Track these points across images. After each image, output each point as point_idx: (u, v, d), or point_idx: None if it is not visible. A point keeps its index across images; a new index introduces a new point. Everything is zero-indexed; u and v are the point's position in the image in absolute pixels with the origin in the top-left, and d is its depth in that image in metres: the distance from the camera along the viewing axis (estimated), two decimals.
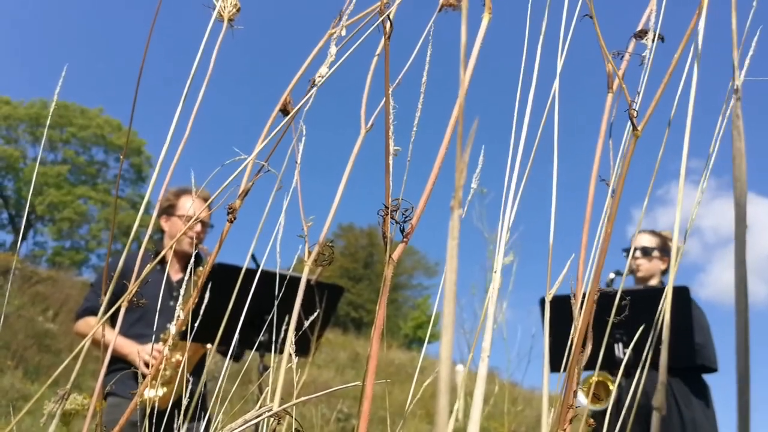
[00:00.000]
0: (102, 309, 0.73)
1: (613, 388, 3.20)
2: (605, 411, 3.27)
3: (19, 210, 31.72)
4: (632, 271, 3.73)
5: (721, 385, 3.56)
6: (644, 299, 2.77)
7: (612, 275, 3.66)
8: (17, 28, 45.43)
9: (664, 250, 3.74)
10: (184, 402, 0.99)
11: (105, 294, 0.75)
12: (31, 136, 31.70)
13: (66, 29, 47.34)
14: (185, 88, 0.70)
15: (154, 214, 1.02)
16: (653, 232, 3.81)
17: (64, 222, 30.50)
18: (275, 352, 1.31)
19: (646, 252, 3.71)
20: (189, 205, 3.37)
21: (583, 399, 3.23)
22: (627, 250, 3.78)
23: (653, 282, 3.69)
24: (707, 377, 3.53)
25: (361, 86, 0.71)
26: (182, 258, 3.47)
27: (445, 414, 0.31)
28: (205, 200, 3.37)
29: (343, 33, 0.67)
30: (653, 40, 0.62)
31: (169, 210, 3.42)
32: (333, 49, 0.66)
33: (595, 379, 3.12)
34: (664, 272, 3.76)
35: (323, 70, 0.66)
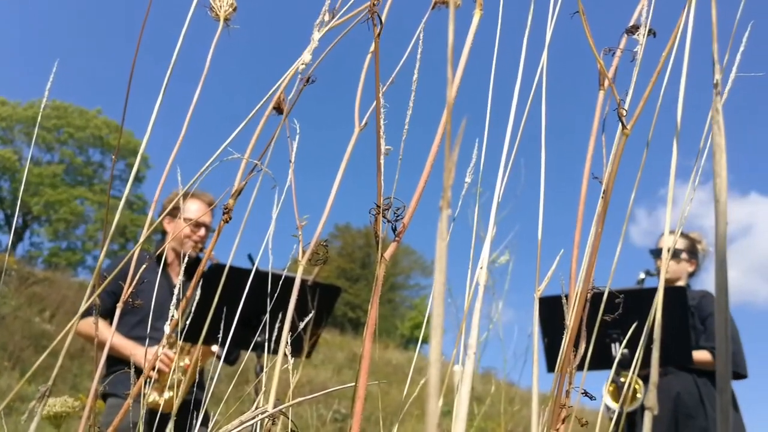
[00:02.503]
0: (83, 309, 0.72)
1: (640, 390, 3.21)
2: (632, 412, 3.30)
3: (16, 210, 31.67)
4: (659, 272, 3.68)
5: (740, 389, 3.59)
6: (642, 299, 2.77)
7: (642, 275, 3.66)
8: (16, 29, 45.35)
9: (692, 252, 3.72)
10: (176, 402, 0.99)
11: (95, 295, 0.75)
12: (28, 137, 31.66)
13: (65, 30, 47.27)
14: (163, 85, 0.70)
15: (150, 212, 1.01)
16: (681, 234, 3.76)
17: (60, 223, 30.45)
18: (269, 352, 1.31)
19: (675, 254, 3.66)
20: (194, 209, 3.35)
21: (610, 402, 3.25)
22: (654, 252, 3.76)
23: (680, 284, 3.66)
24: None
25: (356, 84, 0.70)
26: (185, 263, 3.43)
27: (435, 416, 0.31)
28: (209, 204, 3.36)
29: (326, 18, 0.67)
30: (644, 36, 0.62)
31: (172, 212, 3.38)
32: (316, 35, 0.65)
33: (607, 381, 3.13)
34: (692, 275, 3.74)
35: (306, 56, 0.65)
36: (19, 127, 31.41)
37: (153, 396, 2.95)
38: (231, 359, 3.50)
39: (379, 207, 0.57)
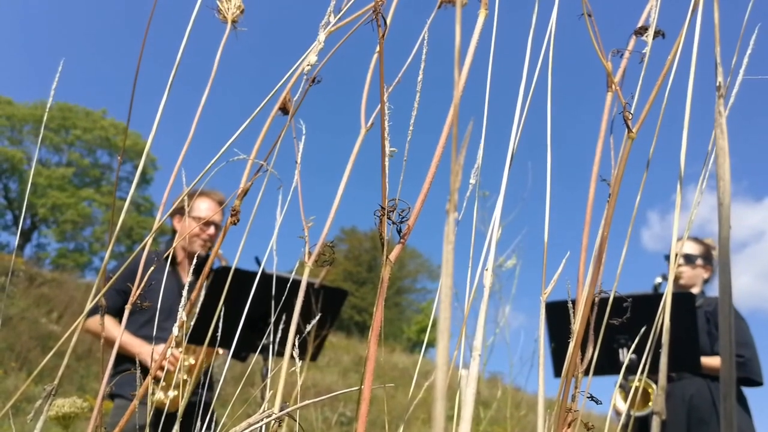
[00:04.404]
0: (89, 307, 0.72)
1: (654, 394, 3.21)
2: (646, 417, 3.30)
3: (24, 212, 31.83)
4: (675, 278, 3.68)
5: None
6: (650, 304, 2.76)
7: (659, 279, 3.65)
8: (24, 29, 45.61)
9: (707, 258, 3.70)
10: (182, 403, 0.99)
11: (101, 294, 0.75)
12: (36, 138, 31.79)
13: (72, 31, 47.51)
14: (167, 86, 0.70)
15: (159, 215, 1.01)
16: (696, 240, 3.74)
17: (68, 224, 30.57)
18: (273, 354, 1.31)
19: (690, 260, 3.65)
20: (203, 207, 3.33)
21: (621, 404, 3.25)
22: (668, 257, 3.75)
23: (695, 290, 3.65)
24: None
25: (363, 85, 0.70)
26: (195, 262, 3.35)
27: (442, 420, 0.30)
28: (219, 202, 3.34)
29: (332, 19, 0.66)
30: (652, 38, 0.62)
31: (182, 211, 3.34)
32: (321, 36, 0.65)
33: (616, 387, 3.13)
34: (707, 281, 3.72)
35: (311, 57, 0.65)
36: (28, 128, 31.57)
37: (158, 395, 2.93)
38: (242, 356, 3.49)
39: (384, 209, 0.56)
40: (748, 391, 3.53)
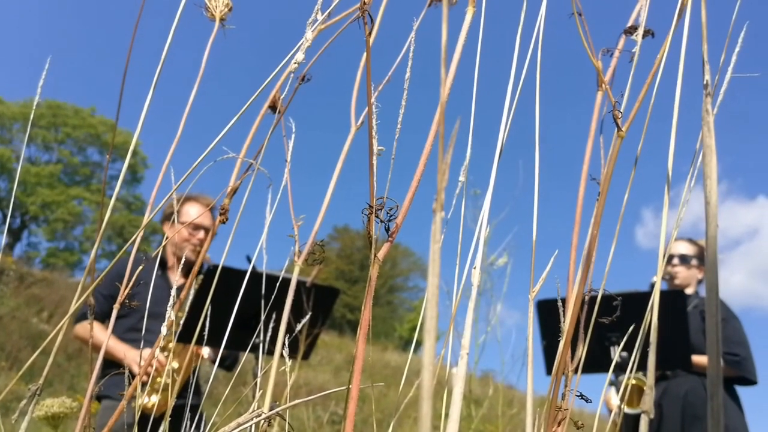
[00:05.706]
0: (74, 307, 0.71)
1: (647, 391, 3.22)
2: (639, 415, 3.33)
3: (14, 210, 31.63)
4: (670, 278, 3.72)
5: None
6: (641, 302, 2.77)
7: (656, 278, 3.66)
8: (14, 28, 45.35)
9: (702, 259, 3.72)
10: (170, 404, 0.98)
11: (87, 294, 0.74)
12: (26, 135, 31.58)
13: (62, 29, 47.27)
14: (152, 83, 0.69)
15: (147, 213, 1.00)
16: (691, 241, 3.77)
17: (58, 223, 30.40)
18: (263, 353, 1.30)
19: (685, 260, 3.68)
20: (193, 212, 3.32)
21: (616, 401, 3.27)
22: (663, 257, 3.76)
23: (689, 291, 3.68)
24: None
25: (353, 83, 0.70)
26: (184, 265, 3.35)
27: (428, 420, 0.30)
28: (208, 207, 3.33)
29: (319, 16, 0.66)
30: (641, 37, 0.62)
31: (172, 216, 3.33)
32: (309, 34, 0.65)
33: (605, 385, 3.16)
34: (701, 282, 3.75)
35: (299, 56, 0.65)
36: (17, 127, 31.36)
37: (142, 399, 2.90)
38: (226, 364, 3.47)
39: (372, 207, 0.56)
40: (742, 390, 3.55)
